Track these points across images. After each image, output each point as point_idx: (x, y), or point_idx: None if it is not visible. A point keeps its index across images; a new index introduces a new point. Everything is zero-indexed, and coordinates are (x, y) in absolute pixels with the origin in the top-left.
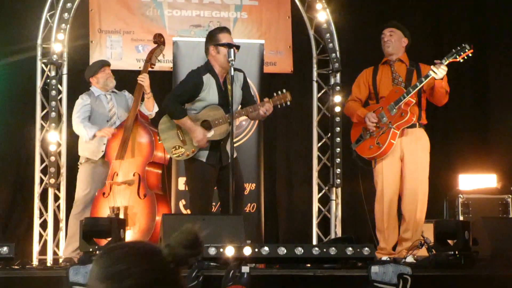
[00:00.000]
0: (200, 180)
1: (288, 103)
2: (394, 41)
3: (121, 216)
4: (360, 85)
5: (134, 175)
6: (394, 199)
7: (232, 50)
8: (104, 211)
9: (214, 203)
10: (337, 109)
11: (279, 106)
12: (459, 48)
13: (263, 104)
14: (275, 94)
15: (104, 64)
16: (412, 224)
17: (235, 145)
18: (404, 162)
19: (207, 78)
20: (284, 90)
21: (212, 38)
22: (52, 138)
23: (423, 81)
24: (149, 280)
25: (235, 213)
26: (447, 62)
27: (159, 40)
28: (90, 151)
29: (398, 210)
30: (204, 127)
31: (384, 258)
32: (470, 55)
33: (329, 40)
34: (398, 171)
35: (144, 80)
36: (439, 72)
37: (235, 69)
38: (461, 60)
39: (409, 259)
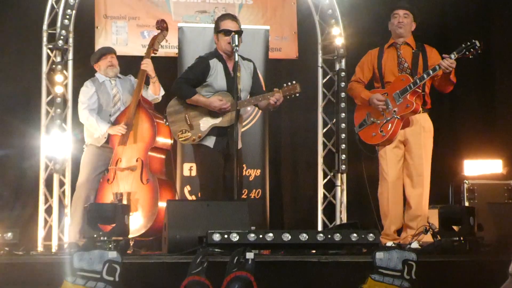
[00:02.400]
0: (208, 166)
1: (297, 94)
2: (407, 24)
3: (124, 201)
4: (363, 67)
5: (137, 160)
6: (398, 183)
7: (235, 36)
8: (109, 197)
9: None
10: (342, 95)
11: (288, 97)
12: (469, 43)
13: (272, 94)
14: (284, 85)
15: (104, 52)
16: (418, 212)
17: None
18: (408, 146)
19: (214, 63)
20: (293, 82)
21: (215, 26)
22: (57, 123)
23: (431, 74)
24: None
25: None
26: (456, 57)
27: (162, 26)
28: (92, 137)
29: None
30: (213, 113)
31: (389, 243)
32: (480, 51)
33: (334, 25)
34: (401, 155)
35: (147, 65)
36: (448, 67)
37: (244, 58)
38: (471, 57)
39: (414, 244)
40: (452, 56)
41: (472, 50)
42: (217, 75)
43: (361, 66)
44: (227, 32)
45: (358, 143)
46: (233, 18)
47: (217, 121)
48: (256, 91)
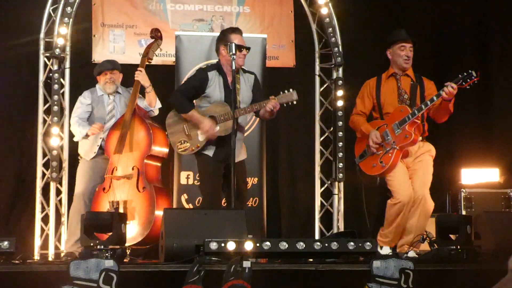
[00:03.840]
0: (207, 174)
1: (294, 102)
2: (411, 57)
3: (121, 210)
4: (364, 98)
5: (133, 169)
6: (408, 206)
7: (233, 44)
8: (105, 206)
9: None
10: (339, 103)
11: (284, 105)
12: (465, 74)
13: (268, 102)
14: (281, 93)
15: (103, 69)
16: (414, 228)
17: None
18: (410, 170)
19: (213, 75)
20: (290, 90)
21: (223, 37)
22: (54, 132)
23: (428, 104)
24: None
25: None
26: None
27: (156, 35)
28: (84, 150)
29: None
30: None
31: (385, 248)
32: (476, 82)
33: (331, 34)
34: (408, 176)
35: (139, 75)
36: (450, 93)
37: (246, 71)
38: (468, 87)
39: (411, 253)
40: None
41: (469, 80)
42: (215, 87)
43: (361, 97)
44: (239, 47)
45: (359, 174)
46: (241, 34)
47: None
48: (257, 102)
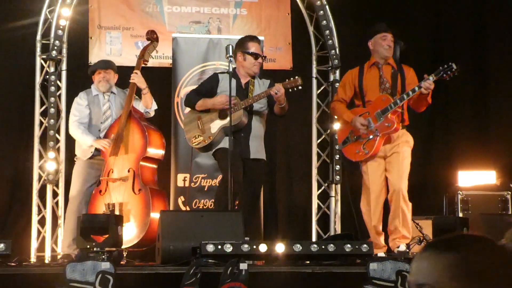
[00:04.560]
0: (225, 165)
1: (300, 87)
2: (392, 47)
3: (117, 212)
4: (345, 87)
5: (129, 171)
6: (381, 199)
7: (230, 46)
8: (101, 208)
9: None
10: None
11: (290, 90)
12: (446, 66)
13: (272, 88)
14: (286, 80)
15: (96, 68)
16: (399, 212)
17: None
18: (387, 161)
19: (225, 76)
20: (296, 76)
21: (241, 44)
22: (51, 134)
23: (411, 94)
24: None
25: (251, 214)
26: (434, 79)
27: (152, 37)
28: (80, 150)
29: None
30: (222, 116)
31: (380, 254)
32: (457, 74)
33: (328, 37)
34: (383, 170)
35: (134, 77)
36: (427, 88)
37: (261, 77)
38: (448, 79)
39: (402, 247)
40: (431, 78)
41: (449, 72)
42: (227, 86)
43: (342, 86)
44: (256, 55)
45: (342, 159)
46: (259, 42)
47: (225, 121)
48: (273, 104)
